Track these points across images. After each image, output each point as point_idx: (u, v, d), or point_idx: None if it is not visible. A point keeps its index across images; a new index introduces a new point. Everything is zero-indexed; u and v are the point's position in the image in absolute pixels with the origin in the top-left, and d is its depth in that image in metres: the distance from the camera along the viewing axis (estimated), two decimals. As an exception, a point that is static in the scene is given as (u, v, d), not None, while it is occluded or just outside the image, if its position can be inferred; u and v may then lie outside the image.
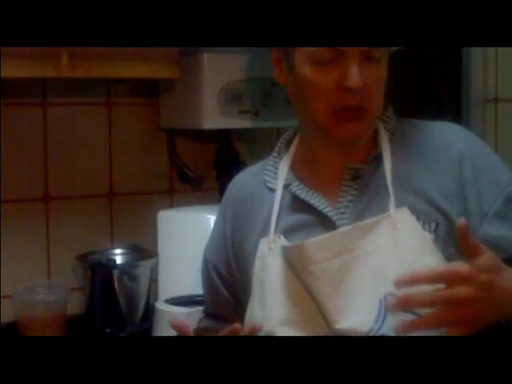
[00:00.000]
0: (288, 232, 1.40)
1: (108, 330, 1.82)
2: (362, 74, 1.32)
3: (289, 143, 1.49)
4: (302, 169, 1.45)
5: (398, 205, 1.34)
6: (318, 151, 1.43)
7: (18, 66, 1.59)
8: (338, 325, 1.31)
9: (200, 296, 1.74)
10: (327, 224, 1.38)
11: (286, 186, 1.44)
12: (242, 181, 1.54)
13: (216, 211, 1.93)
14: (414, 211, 1.34)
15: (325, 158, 1.43)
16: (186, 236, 1.90)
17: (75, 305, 1.94)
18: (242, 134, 2.13)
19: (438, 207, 1.34)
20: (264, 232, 1.42)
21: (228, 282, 1.48)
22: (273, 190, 1.45)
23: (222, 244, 1.51)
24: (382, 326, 1.30)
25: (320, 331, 1.33)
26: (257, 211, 1.46)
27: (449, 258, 1.31)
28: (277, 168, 1.47)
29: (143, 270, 1.90)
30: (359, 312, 1.31)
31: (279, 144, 1.50)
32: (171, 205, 2.10)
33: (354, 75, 1.31)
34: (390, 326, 1.27)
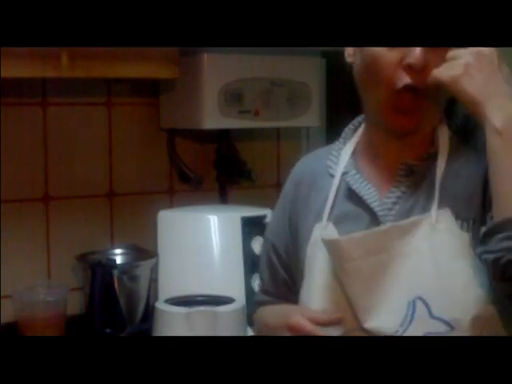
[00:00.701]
0: (338, 221, 1.40)
1: (108, 330, 1.82)
2: (427, 54, 1.30)
3: (355, 130, 1.47)
4: (362, 158, 1.43)
5: (441, 206, 1.31)
6: (377, 142, 1.41)
7: (18, 66, 1.59)
8: (366, 324, 1.31)
9: (200, 296, 1.74)
10: (372, 218, 1.37)
11: (343, 174, 1.42)
12: (306, 163, 1.54)
13: (216, 211, 1.94)
14: (455, 211, 1.31)
15: (383, 150, 1.41)
16: (186, 236, 1.90)
17: (75, 305, 1.94)
18: (242, 133, 2.13)
19: (476, 204, 1.31)
20: (319, 217, 1.41)
21: (285, 263, 1.48)
22: (333, 176, 1.44)
23: (280, 224, 1.51)
24: (407, 329, 1.30)
25: (351, 328, 1.33)
26: (315, 195, 1.45)
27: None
28: (340, 154, 1.45)
29: (143, 270, 1.90)
30: (388, 313, 1.31)
31: (346, 130, 1.48)
32: (171, 205, 2.10)
33: (417, 53, 1.29)
34: (415, 331, 1.28)
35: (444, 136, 1.37)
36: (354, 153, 1.44)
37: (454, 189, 1.33)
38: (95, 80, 1.91)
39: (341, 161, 1.44)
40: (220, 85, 1.90)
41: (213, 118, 1.91)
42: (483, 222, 1.29)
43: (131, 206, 2.07)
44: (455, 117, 1.39)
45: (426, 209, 1.33)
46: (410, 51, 1.30)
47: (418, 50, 1.30)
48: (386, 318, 1.31)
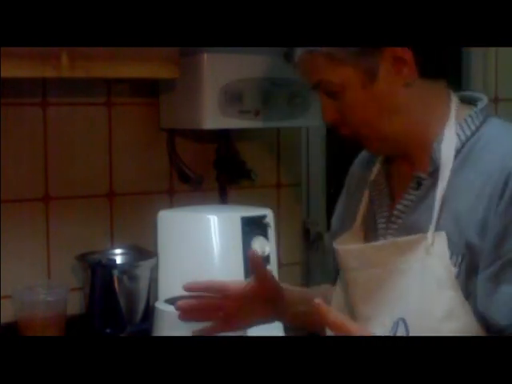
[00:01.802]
0: (362, 225, 1.42)
1: (108, 330, 1.82)
2: (335, 106, 1.35)
3: None
4: (392, 165, 1.42)
5: (439, 227, 1.28)
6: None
7: (18, 66, 1.59)
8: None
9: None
10: (377, 229, 1.38)
11: (372, 181, 1.43)
12: (362, 158, 1.53)
13: (216, 211, 1.94)
14: (448, 238, 1.27)
15: (402, 159, 1.39)
16: (186, 236, 1.90)
17: (75, 305, 1.94)
18: (242, 133, 2.13)
19: (468, 240, 1.25)
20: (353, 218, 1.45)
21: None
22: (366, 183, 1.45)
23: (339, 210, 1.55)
24: None
25: None
26: (356, 194, 1.47)
27: (469, 296, 1.25)
28: (377, 159, 1.45)
29: (143, 270, 1.90)
30: (379, 327, 1.31)
31: None
32: (171, 205, 2.10)
33: (322, 111, 1.37)
34: None
35: (449, 147, 1.30)
36: (388, 160, 1.43)
37: (453, 215, 1.28)
38: (95, 80, 1.91)
39: (377, 165, 1.44)
40: (220, 85, 1.90)
41: (213, 118, 1.90)
42: (472, 259, 1.25)
43: (131, 206, 2.07)
44: (466, 127, 1.32)
45: (425, 227, 1.29)
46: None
47: (322, 107, 1.37)
48: (378, 331, 1.30)
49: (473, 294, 1.24)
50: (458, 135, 1.31)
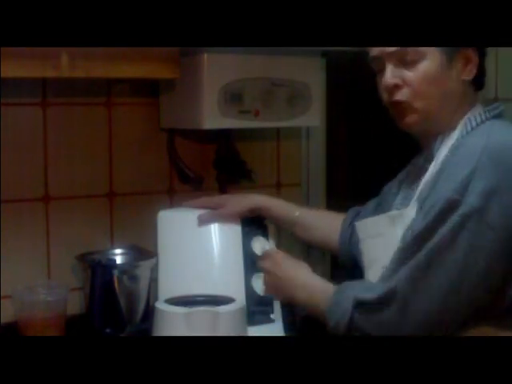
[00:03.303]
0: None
1: (108, 330, 1.82)
2: (400, 73, 1.52)
3: None
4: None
5: (420, 199, 1.51)
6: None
7: (18, 66, 1.59)
8: None
9: (200, 296, 1.74)
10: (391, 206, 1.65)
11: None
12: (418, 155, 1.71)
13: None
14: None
15: (422, 149, 1.63)
16: (186, 236, 1.90)
17: (75, 305, 1.94)
18: (242, 134, 2.13)
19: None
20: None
21: None
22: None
23: None
24: None
25: None
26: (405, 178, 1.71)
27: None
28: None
29: (143, 270, 1.90)
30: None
31: None
32: (171, 205, 2.10)
33: (386, 76, 1.53)
34: None
35: (449, 142, 1.53)
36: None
37: (428, 192, 1.49)
38: (95, 80, 1.91)
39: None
40: (220, 85, 1.90)
41: (213, 118, 1.90)
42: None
43: (131, 205, 2.06)
44: (467, 125, 1.54)
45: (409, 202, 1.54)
46: (385, 74, 1.53)
47: (387, 73, 1.52)
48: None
49: None
50: (459, 132, 1.53)
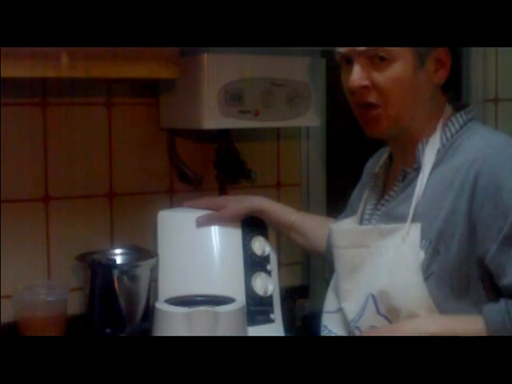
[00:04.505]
0: (360, 212, 1.64)
1: (108, 330, 1.82)
2: (368, 74, 1.45)
3: None
4: (393, 163, 1.61)
5: (415, 216, 1.45)
6: (392, 148, 1.61)
7: (18, 66, 1.59)
8: (342, 304, 1.55)
9: (200, 296, 1.74)
10: (365, 215, 1.60)
11: (375, 174, 1.64)
12: (377, 155, 1.71)
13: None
14: (422, 227, 1.44)
15: (395, 156, 1.59)
16: (186, 236, 1.90)
17: (75, 305, 1.94)
18: (242, 133, 2.13)
19: (437, 225, 1.42)
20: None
21: None
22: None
23: None
24: (359, 320, 1.49)
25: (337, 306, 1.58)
26: (365, 185, 1.68)
27: (430, 275, 1.41)
28: (384, 155, 1.65)
29: (143, 270, 1.90)
30: (354, 301, 1.51)
31: None
32: (171, 205, 2.10)
33: (353, 75, 1.46)
34: (364, 324, 1.47)
35: (433, 147, 1.48)
36: (391, 158, 1.62)
37: (427, 206, 1.45)
38: (95, 80, 1.91)
39: (381, 161, 1.64)
40: (220, 85, 1.90)
41: (213, 118, 1.90)
42: (437, 243, 1.41)
43: (131, 205, 2.06)
44: (448, 129, 1.50)
45: (403, 217, 1.46)
46: (352, 74, 1.46)
47: (354, 72, 1.46)
48: (350, 305, 1.52)
49: (434, 273, 1.40)
50: (440, 138, 1.48)
